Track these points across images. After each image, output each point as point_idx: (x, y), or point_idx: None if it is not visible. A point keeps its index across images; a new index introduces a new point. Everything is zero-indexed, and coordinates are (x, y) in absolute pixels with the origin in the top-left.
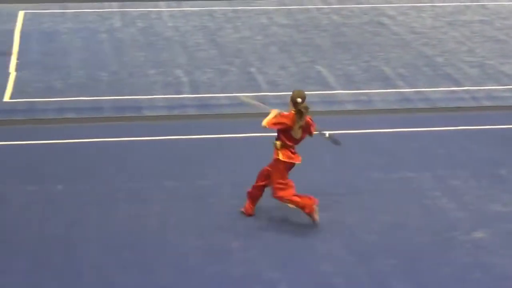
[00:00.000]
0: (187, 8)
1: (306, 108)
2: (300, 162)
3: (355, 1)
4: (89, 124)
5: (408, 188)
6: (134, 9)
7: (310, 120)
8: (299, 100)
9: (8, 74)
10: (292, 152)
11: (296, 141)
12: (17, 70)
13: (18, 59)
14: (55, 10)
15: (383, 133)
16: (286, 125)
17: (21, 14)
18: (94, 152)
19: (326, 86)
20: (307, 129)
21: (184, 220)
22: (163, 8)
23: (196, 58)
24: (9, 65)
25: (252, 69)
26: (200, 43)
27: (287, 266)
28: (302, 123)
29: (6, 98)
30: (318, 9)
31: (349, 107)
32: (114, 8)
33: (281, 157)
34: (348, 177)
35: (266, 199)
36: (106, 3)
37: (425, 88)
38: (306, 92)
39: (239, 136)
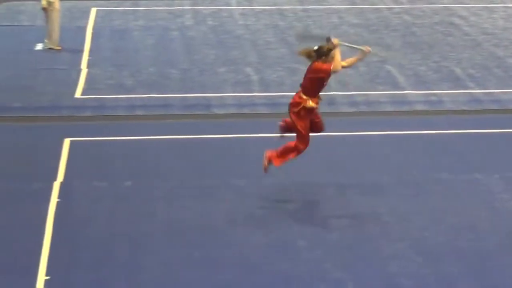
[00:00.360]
0: (258, 6)
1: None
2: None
3: (426, 1)
4: (159, 121)
5: (477, 190)
6: (205, 7)
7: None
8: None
9: (80, 70)
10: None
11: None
12: (88, 67)
13: (89, 56)
14: (127, 7)
15: (453, 134)
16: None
17: (93, 11)
18: (162, 149)
19: (396, 86)
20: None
21: (251, 218)
22: (234, 6)
23: (266, 57)
24: (81, 62)
25: None
26: (271, 42)
27: (354, 266)
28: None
29: (78, 94)
30: (389, 8)
31: (419, 107)
32: (186, 6)
33: None
34: (416, 178)
35: (331, 201)
36: (177, 1)
37: (496, 89)
38: (376, 92)
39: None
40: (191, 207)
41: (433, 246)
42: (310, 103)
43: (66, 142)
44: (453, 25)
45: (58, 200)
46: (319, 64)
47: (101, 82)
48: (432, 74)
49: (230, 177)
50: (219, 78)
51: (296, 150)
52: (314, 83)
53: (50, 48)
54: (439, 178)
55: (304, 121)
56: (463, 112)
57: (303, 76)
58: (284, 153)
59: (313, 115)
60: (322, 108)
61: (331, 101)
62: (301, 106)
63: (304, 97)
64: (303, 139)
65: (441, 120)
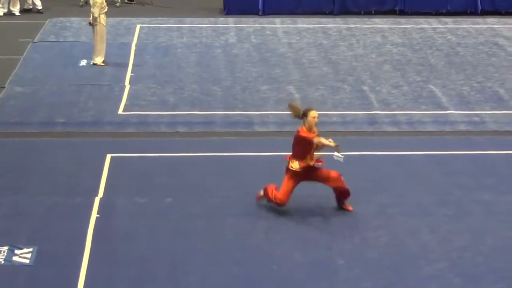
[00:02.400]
0: (301, 25)
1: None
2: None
3: (471, 21)
4: (200, 138)
5: None
6: (249, 25)
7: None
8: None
9: (123, 87)
10: None
11: None
12: (131, 83)
13: (132, 72)
14: (171, 24)
15: (495, 155)
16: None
17: (137, 28)
18: (204, 166)
19: (439, 106)
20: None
21: (290, 236)
22: (278, 25)
23: (309, 75)
24: (125, 78)
25: (365, 87)
26: (314, 60)
27: (393, 286)
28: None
29: (120, 110)
30: (433, 28)
31: (461, 127)
32: (230, 24)
33: None
34: (458, 198)
35: (372, 219)
36: (221, 19)
37: None
38: (418, 112)
39: (351, 154)
40: (232, 225)
41: (472, 267)
42: (293, 165)
43: (108, 158)
44: (497, 46)
45: (97, 215)
46: (303, 133)
47: (144, 99)
48: (475, 95)
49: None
50: (262, 96)
51: (274, 198)
52: (299, 148)
53: (94, 64)
54: (480, 199)
55: (289, 181)
56: (506, 133)
57: (345, 95)
58: (268, 191)
59: (311, 175)
60: (364, 127)
61: (373, 120)
62: (288, 166)
63: (291, 159)
64: (283, 195)
65: (484, 141)
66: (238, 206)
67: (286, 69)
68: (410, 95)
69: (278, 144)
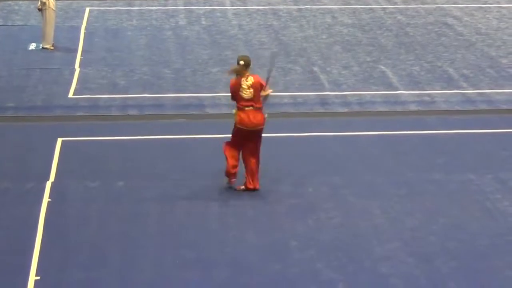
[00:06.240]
0: (251, 6)
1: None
2: (252, 126)
3: (420, 1)
4: (151, 121)
5: (470, 190)
6: (199, 7)
7: (260, 80)
8: (241, 62)
9: (73, 70)
10: (243, 116)
11: (248, 101)
12: (81, 66)
13: (82, 55)
14: (121, 7)
15: (446, 134)
16: (232, 89)
17: (87, 11)
18: (155, 149)
19: (389, 86)
20: (259, 88)
21: (243, 219)
22: (228, 6)
23: (259, 57)
24: (75, 62)
25: (316, 68)
26: (264, 42)
27: (345, 267)
28: (249, 83)
29: (71, 94)
30: (383, 8)
31: (412, 107)
32: (179, 6)
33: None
34: (409, 178)
35: (324, 201)
36: (171, 1)
37: (489, 89)
38: (369, 92)
39: (303, 135)
40: (184, 208)
41: (424, 246)
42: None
43: (59, 142)
44: (447, 25)
45: (49, 200)
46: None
47: (94, 82)
48: (425, 74)
49: (223, 177)
50: (212, 78)
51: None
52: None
53: (43, 48)
54: (431, 179)
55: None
56: (456, 112)
57: (296, 76)
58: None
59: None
60: (315, 108)
61: (324, 101)
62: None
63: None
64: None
65: (434, 121)
66: (190, 189)
67: (237, 51)
68: (361, 75)
69: (230, 126)
